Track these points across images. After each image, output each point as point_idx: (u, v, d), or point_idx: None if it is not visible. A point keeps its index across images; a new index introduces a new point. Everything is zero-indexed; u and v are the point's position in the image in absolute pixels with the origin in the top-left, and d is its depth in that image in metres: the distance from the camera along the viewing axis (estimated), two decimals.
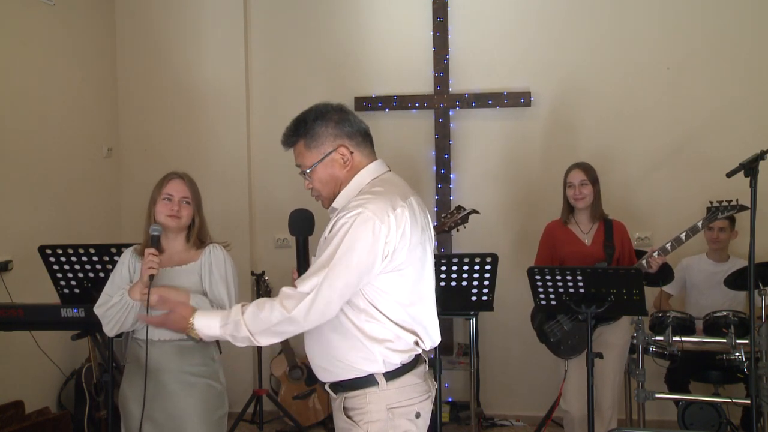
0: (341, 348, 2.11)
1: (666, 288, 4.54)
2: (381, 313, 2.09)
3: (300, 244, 2.30)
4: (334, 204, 2.18)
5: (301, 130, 2.17)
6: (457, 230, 4.32)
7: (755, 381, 3.42)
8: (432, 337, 2.22)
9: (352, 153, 2.16)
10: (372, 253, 2.01)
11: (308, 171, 2.17)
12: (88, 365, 4.36)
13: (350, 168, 2.16)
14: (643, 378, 3.88)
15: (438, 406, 3.19)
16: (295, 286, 2.07)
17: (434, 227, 4.10)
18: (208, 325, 2.11)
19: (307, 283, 2.02)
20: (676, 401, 4.09)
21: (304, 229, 2.30)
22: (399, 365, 2.12)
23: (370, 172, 2.18)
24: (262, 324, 2.04)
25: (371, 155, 2.22)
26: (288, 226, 2.31)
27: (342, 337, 2.10)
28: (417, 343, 2.15)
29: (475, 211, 4.27)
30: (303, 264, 2.28)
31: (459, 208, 4.29)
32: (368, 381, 2.10)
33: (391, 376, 2.11)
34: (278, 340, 2.08)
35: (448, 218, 4.24)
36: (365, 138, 2.21)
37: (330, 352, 2.13)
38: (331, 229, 2.07)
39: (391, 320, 2.09)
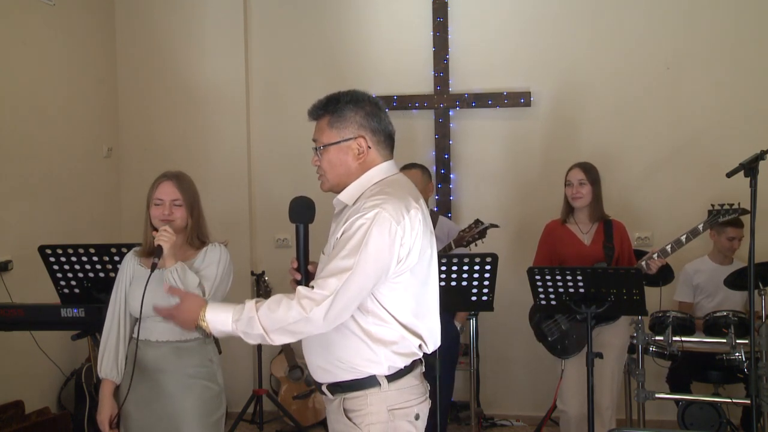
0: (345, 349, 2.09)
1: (680, 298, 4.52)
2: (390, 314, 2.07)
3: (300, 232, 2.23)
4: (341, 197, 2.16)
5: (330, 107, 2.15)
6: (476, 245, 4.13)
7: (755, 381, 3.42)
8: (435, 341, 2.20)
9: (369, 148, 2.15)
10: (389, 255, 2.00)
11: (321, 148, 2.16)
12: (88, 365, 4.35)
13: (363, 161, 2.14)
14: (643, 378, 3.88)
15: (440, 407, 3.18)
16: (310, 286, 2.05)
17: (453, 241, 4.06)
18: (220, 319, 2.03)
19: (327, 285, 1.97)
20: (676, 401, 4.09)
21: (305, 216, 2.23)
22: (401, 368, 2.11)
23: (381, 170, 2.17)
24: (277, 322, 1.98)
25: (387, 156, 2.21)
26: (288, 214, 2.24)
27: (345, 338, 2.08)
28: (420, 347, 2.14)
29: (494, 225, 4.14)
30: (303, 253, 2.22)
31: (477, 222, 4.14)
32: (370, 382, 2.08)
33: (392, 377, 2.10)
34: (292, 340, 2.03)
35: (466, 232, 4.08)
36: (387, 139, 2.20)
37: (332, 353, 2.10)
38: (344, 231, 2.04)
39: (398, 322, 2.08)
